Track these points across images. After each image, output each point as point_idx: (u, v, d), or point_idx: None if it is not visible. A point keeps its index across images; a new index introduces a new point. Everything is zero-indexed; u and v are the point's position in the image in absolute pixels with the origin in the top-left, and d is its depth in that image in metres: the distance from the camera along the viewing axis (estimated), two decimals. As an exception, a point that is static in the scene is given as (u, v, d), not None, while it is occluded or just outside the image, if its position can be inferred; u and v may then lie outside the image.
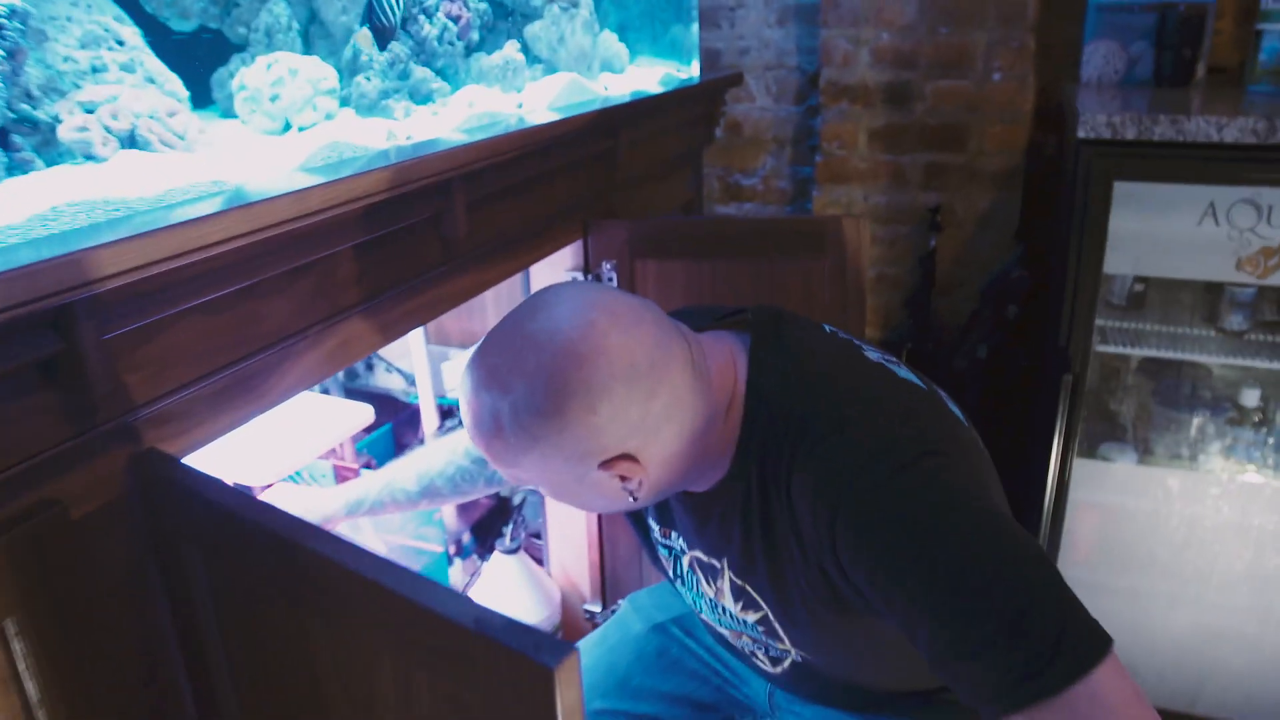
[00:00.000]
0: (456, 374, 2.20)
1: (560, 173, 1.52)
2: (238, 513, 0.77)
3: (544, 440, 0.83)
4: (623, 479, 0.88)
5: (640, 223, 1.68)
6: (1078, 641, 0.75)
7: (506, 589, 1.84)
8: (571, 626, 1.98)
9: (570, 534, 1.93)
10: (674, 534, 1.11)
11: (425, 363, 2.04)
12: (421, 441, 2.11)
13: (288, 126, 1.23)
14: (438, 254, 1.24)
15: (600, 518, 1.87)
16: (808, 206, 2.61)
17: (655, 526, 1.15)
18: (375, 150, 1.15)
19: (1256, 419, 1.86)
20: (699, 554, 1.06)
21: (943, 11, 2.31)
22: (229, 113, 1.28)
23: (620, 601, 1.91)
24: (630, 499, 0.91)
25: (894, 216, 2.49)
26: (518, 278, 1.76)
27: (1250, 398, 1.84)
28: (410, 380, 2.23)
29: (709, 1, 2.58)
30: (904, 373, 0.98)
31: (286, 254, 0.96)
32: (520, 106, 1.47)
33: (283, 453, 1.63)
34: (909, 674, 1.10)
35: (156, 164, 0.95)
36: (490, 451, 0.87)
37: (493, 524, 2.20)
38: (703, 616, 1.17)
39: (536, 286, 1.75)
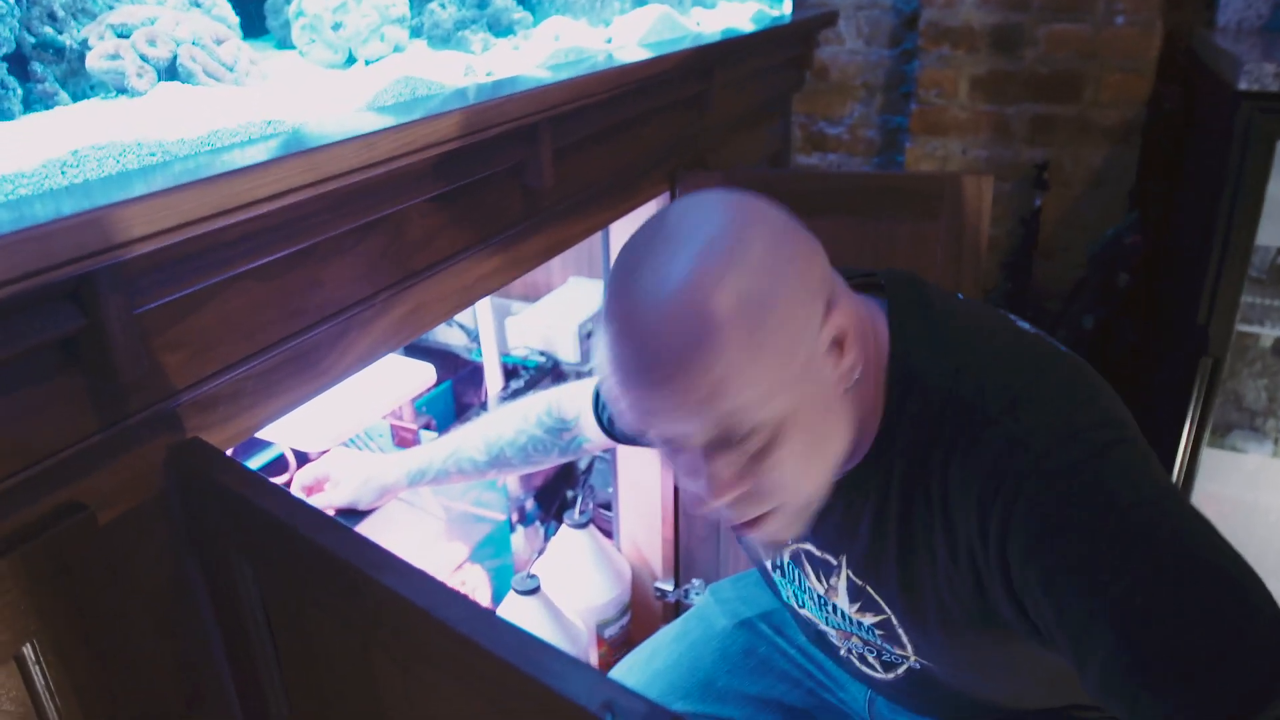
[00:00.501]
0: (521, 329, 2.05)
1: (650, 118, 1.35)
2: (294, 527, 0.63)
3: (782, 301, 0.67)
4: (839, 349, 0.73)
5: (733, 173, 1.51)
6: (1272, 692, 0.62)
7: (575, 565, 1.71)
8: (642, 606, 1.85)
9: (642, 507, 1.79)
10: None
11: (489, 317, 1.90)
12: (484, 401, 1.97)
13: (352, 59, 1.07)
14: (520, 208, 1.08)
15: (676, 489, 1.72)
16: (898, 159, 2.40)
17: None
18: (452, 88, 0.99)
19: None
20: (810, 548, 0.93)
21: (1063, -54, 2.07)
22: (285, 43, 1.12)
23: (695, 581, 1.78)
24: (845, 385, 0.74)
25: (995, 172, 2.28)
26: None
27: (1406, 386, 1.63)
28: (472, 336, 2.09)
29: (799, -68, 2.36)
30: (1062, 347, 0.82)
31: (351, 209, 0.81)
32: (609, 42, 1.30)
33: (339, 416, 1.50)
34: (1042, 691, 0.96)
35: (201, 99, 0.79)
36: (701, 377, 0.66)
37: (558, 489, 2.07)
38: (803, 612, 1.04)
39: (617, 243, 1.59)
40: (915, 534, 0.80)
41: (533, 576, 1.53)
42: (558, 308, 2.08)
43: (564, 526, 1.74)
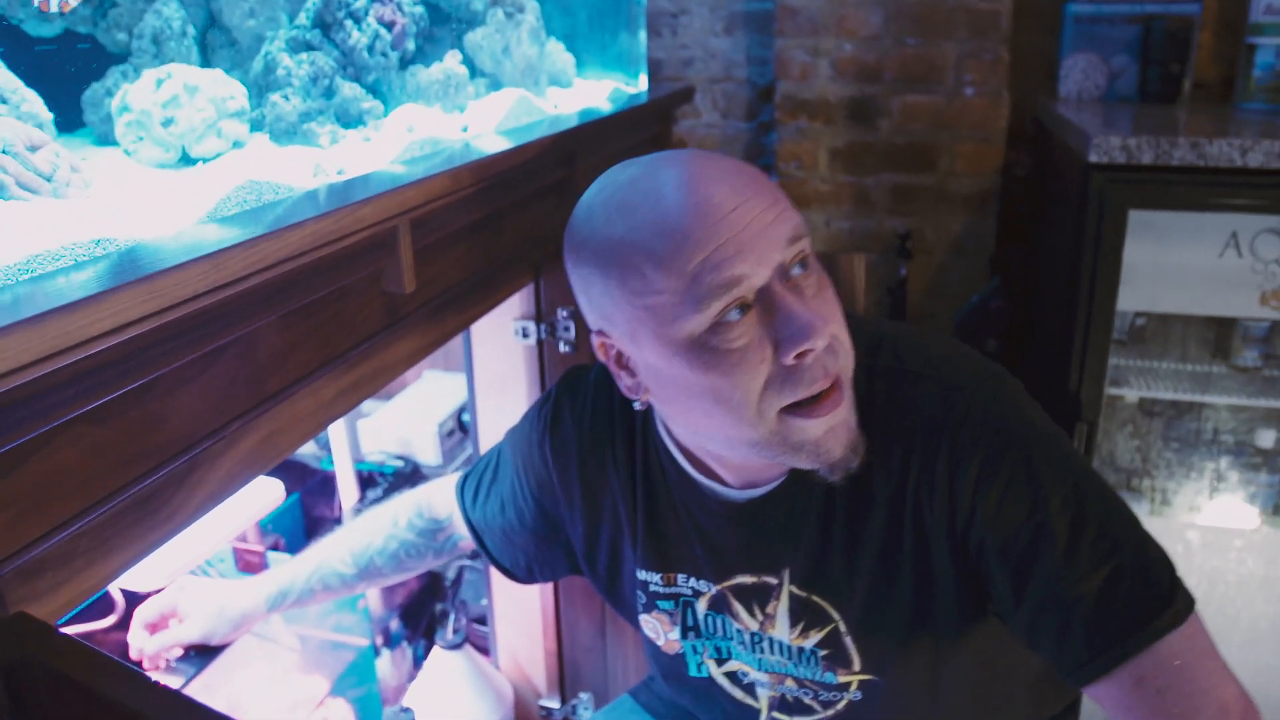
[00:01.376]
0: (375, 432, 1.99)
1: (511, 210, 1.35)
2: (140, 713, 0.58)
3: None
4: None
5: (602, 262, 1.52)
6: (1178, 578, 0.82)
7: (451, 691, 1.64)
8: (525, 729, 1.79)
9: (520, 618, 1.74)
10: (682, 576, 1.01)
11: (340, 422, 1.83)
12: (338, 516, 1.89)
13: (186, 157, 1.02)
14: (380, 316, 1.05)
15: (557, 598, 1.69)
16: (762, 232, 2.48)
17: (652, 578, 1.03)
18: (301, 191, 0.96)
19: (1278, 462, 1.79)
20: (743, 579, 0.96)
21: (910, 21, 2.21)
22: (106, 139, 1.07)
23: (582, 696, 1.74)
24: None
25: (859, 243, 2.38)
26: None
27: (1266, 439, 1.77)
28: (322, 443, 2.01)
29: (649, 8, 2.44)
30: None
31: (197, 335, 0.77)
32: (465, 130, 1.29)
33: (177, 548, 1.40)
34: (982, 710, 1.03)
35: (15, 217, 0.74)
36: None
37: (424, 604, 1.99)
38: (725, 668, 1.05)
39: (479, 340, 1.57)
40: (861, 521, 0.88)
41: (407, 710, 1.46)
42: (414, 406, 2.03)
43: (436, 649, 1.67)
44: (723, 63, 2.45)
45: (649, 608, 1.04)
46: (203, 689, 1.37)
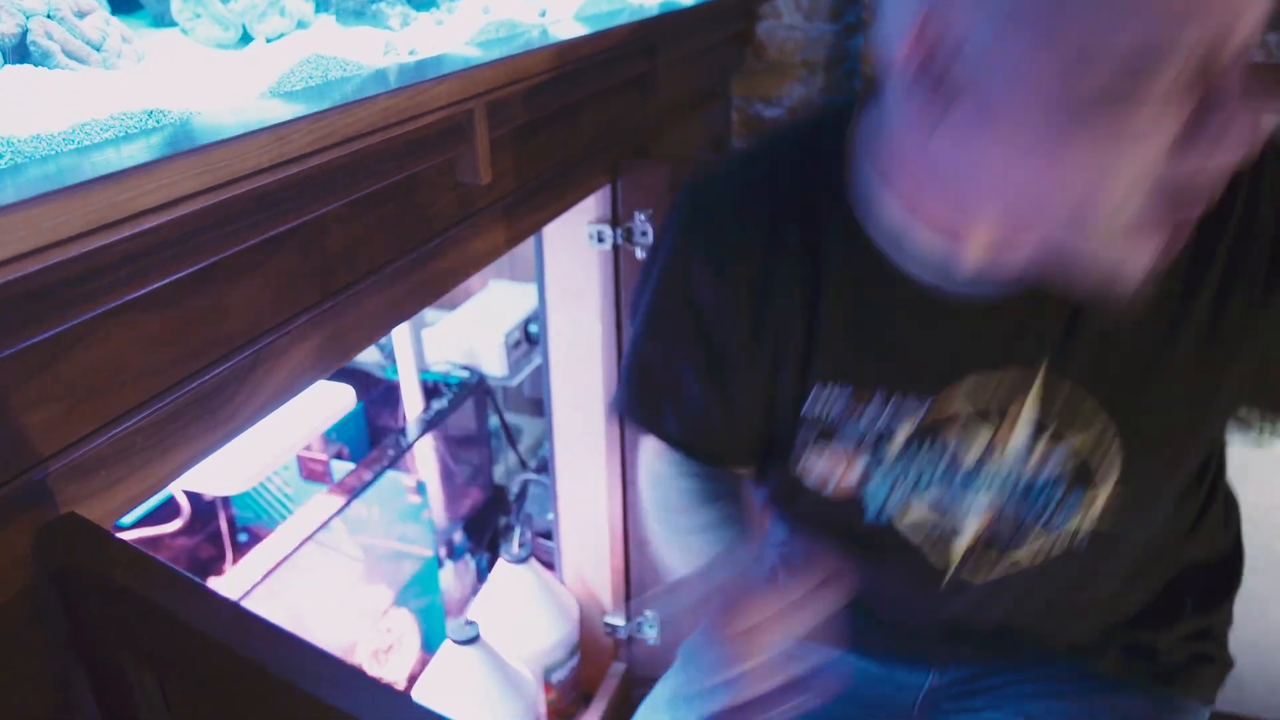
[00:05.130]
0: (440, 341, 1.93)
1: (589, 103, 1.25)
2: (208, 633, 0.52)
3: None
4: None
5: (682, 163, 1.42)
6: None
7: (516, 606, 1.61)
8: (592, 644, 1.75)
9: (586, 534, 1.69)
10: (880, 395, 0.81)
11: (405, 329, 1.77)
12: (402, 424, 1.85)
13: (247, 37, 0.94)
14: (453, 208, 0.97)
15: (625, 514, 1.63)
16: (842, 142, 2.35)
17: (836, 395, 0.82)
18: (371, 69, 0.88)
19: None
20: (981, 376, 0.78)
21: (1012, -90, 2.03)
22: (163, 20, 0.99)
23: (648, 614, 1.69)
24: None
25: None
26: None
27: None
28: (386, 351, 1.96)
29: (729, -102, 2.28)
30: None
31: (259, 218, 0.69)
32: (543, 15, 1.19)
33: (252, 451, 1.37)
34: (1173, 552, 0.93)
35: (61, 86, 0.67)
36: None
37: (488, 518, 1.96)
38: (908, 520, 0.86)
39: (551, 245, 1.48)
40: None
41: (471, 623, 1.42)
42: (479, 316, 1.97)
43: (501, 562, 1.63)
44: (805, -40, 2.30)
45: (829, 436, 0.84)
46: (268, 595, 1.35)
